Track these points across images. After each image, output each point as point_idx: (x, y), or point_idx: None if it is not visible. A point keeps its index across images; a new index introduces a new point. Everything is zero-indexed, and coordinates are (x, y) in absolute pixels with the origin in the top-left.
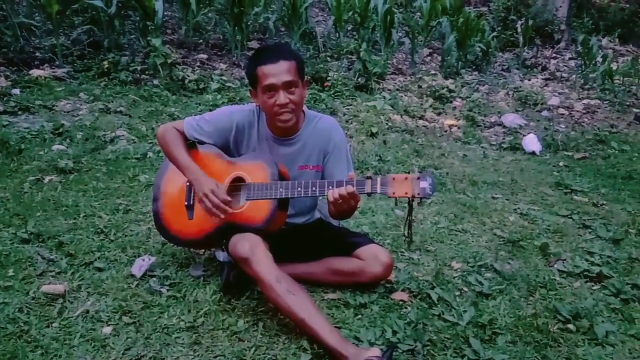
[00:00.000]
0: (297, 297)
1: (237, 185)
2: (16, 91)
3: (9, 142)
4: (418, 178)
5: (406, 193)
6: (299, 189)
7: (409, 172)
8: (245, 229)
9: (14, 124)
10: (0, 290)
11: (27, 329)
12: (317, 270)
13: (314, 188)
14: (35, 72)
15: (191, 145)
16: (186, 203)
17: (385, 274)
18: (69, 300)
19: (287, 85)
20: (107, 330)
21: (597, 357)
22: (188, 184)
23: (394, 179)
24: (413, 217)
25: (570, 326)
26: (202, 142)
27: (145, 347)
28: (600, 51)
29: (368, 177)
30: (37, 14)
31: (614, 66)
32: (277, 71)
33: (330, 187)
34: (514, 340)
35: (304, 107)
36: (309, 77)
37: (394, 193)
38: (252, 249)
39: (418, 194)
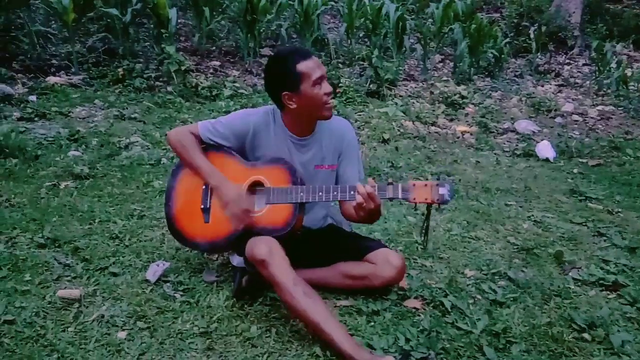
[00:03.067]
0: (313, 301)
1: (254, 189)
2: (33, 98)
3: (26, 148)
4: (437, 185)
5: (426, 199)
6: (320, 193)
7: (427, 179)
8: (264, 232)
9: (30, 131)
10: (17, 294)
11: (44, 333)
12: (329, 274)
13: (335, 192)
14: (51, 79)
15: (205, 148)
16: (202, 206)
17: (398, 278)
18: (84, 305)
19: (326, 76)
20: (122, 335)
21: None
22: (204, 187)
23: (414, 185)
24: (429, 222)
25: (586, 335)
26: (218, 145)
27: (159, 352)
28: (614, 57)
29: (390, 183)
30: (53, 21)
31: (628, 72)
32: (317, 64)
33: (352, 192)
34: (529, 349)
35: None
36: None
37: (414, 199)
38: (270, 251)
39: (437, 199)
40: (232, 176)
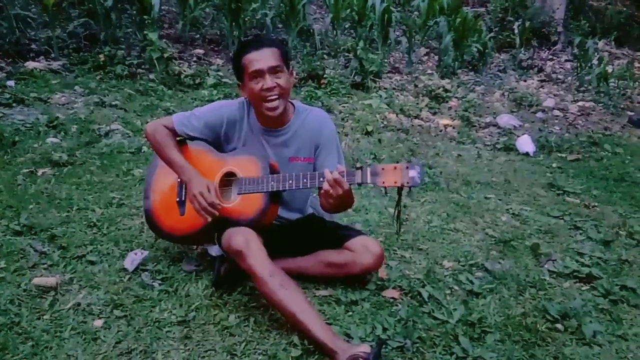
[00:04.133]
0: (290, 291)
1: (228, 180)
2: (11, 83)
3: (3, 134)
4: (407, 167)
5: (395, 182)
6: (290, 181)
7: (397, 162)
8: (237, 223)
9: (8, 116)
10: None
11: (18, 320)
12: (309, 263)
13: (304, 180)
14: (30, 65)
15: (181, 141)
16: (178, 199)
17: (376, 264)
18: (60, 293)
19: (273, 70)
20: (98, 323)
21: (584, 357)
22: (179, 180)
23: (383, 169)
24: (401, 206)
25: (559, 326)
26: (192, 138)
27: (136, 341)
28: (596, 54)
29: (358, 168)
30: (33, 5)
31: (609, 69)
32: (262, 57)
33: (322, 179)
34: (503, 339)
35: (296, 101)
36: (300, 73)
37: (383, 182)
38: (246, 242)
39: (407, 182)
40: (206, 168)
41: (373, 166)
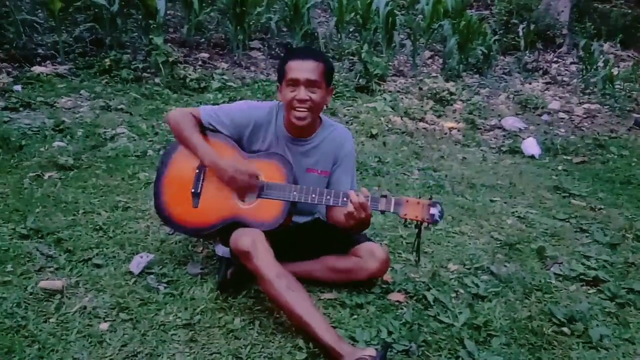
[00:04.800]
0: (296, 294)
1: None
2: (18, 87)
3: (10, 138)
4: (429, 205)
5: (417, 217)
6: (314, 195)
7: (420, 197)
8: (253, 225)
9: (15, 120)
10: None
11: (25, 324)
12: (315, 268)
13: (328, 197)
14: (37, 69)
15: (204, 133)
16: (193, 190)
17: (382, 270)
18: (66, 296)
19: (309, 83)
20: (104, 326)
21: None
22: (197, 171)
23: (407, 201)
24: (422, 239)
25: (565, 329)
26: (217, 131)
27: (141, 344)
28: (601, 56)
29: (383, 196)
30: (40, 10)
31: (615, 71)
32: (303, 67)
33: (345, 199)
34: (509, 343)
35: (323, 116)
36: (335, 86)
37: (405, 215)
38: (254, 243)
39: (427, 219)
40: None
41: (397, 197)
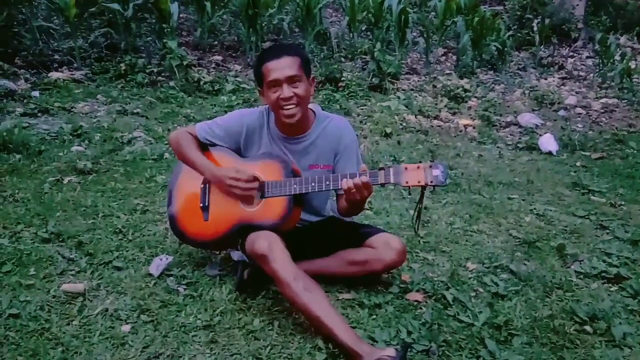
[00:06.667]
0: (314, 295)
1: None
2: (36, 93)
3: (29, 143)
4: (430, 167)
5: (419, 182)
6: (313, 183)
7: (420, 162)
8: (261, 227)
9: (33, 126)
10: (22, 288)
11: (48, 326)
12: (331, 263)
13: (327, 182)
14: (54, 75)
15: (204, 147)
16: (201, 205)
17: (399, 260)
18: (88, 299)
19: (290, 79)
20: (126, 328)
21: (614, 359)
22: (203, 185)
23: (406, 168)
24: (422, 206)
25: (587, 328)
26: (214, 145)
27: (163, 345)
28: (618, 50)
29: (381, 168)
30: (55, 17)
31: (632, 65)
32: (280, 66)
33: (344, 179)
34: (530, 342)
35: (317, 108)
36: (318, 77)
37: (407, 182)
38: (270, 246)
39: (431, 181)
40: None
41: (396, 166)
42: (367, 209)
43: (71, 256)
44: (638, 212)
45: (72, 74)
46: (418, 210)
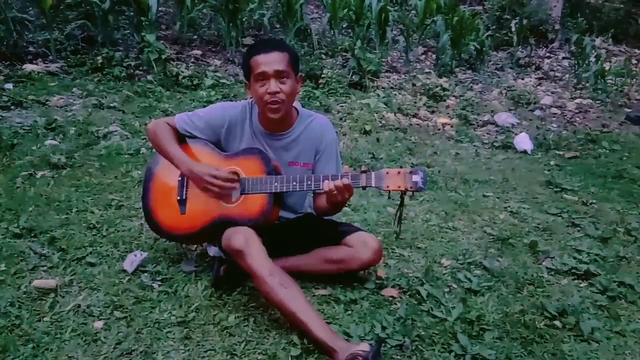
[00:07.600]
0: (289, 290)
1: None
2: (9, 86)
3: (2, 137)
4: (410, 172)
5: (399, 187)
6: (294, 183)
7: (401, 167)
8: (240, 223)
9: (6, 119)
10: None
11: (19, 323)
12: (308, 261)
13: (309, 182)
14: (28, 67)
15: (183, 140)
16: (178, 198)
17: (375, 259)
18: (60, 295)
19: (278, 74)
20: (99, 324)
21: (582, 353)
22: (180, 178)
23: (387, 173)
24: (403, 211)
25: (557, 323)
26: (193, 137)
27: (136, 342)
28: (593, 51)
29: (363, 171)
30: (30, 8)
31: (607, 66)
32: (269, 60)
33: (326, 180)
34: (501, 336)
35: (299, 106)
36: (303, 74)
37: (387, 187)
38: (246, 242)
39: (410, 187)
40: None
41: (378, 171)
42: (345, 206)
43: (43, 252)
44: (609, 210)
45: (47, 67)
46: (399, 216)
